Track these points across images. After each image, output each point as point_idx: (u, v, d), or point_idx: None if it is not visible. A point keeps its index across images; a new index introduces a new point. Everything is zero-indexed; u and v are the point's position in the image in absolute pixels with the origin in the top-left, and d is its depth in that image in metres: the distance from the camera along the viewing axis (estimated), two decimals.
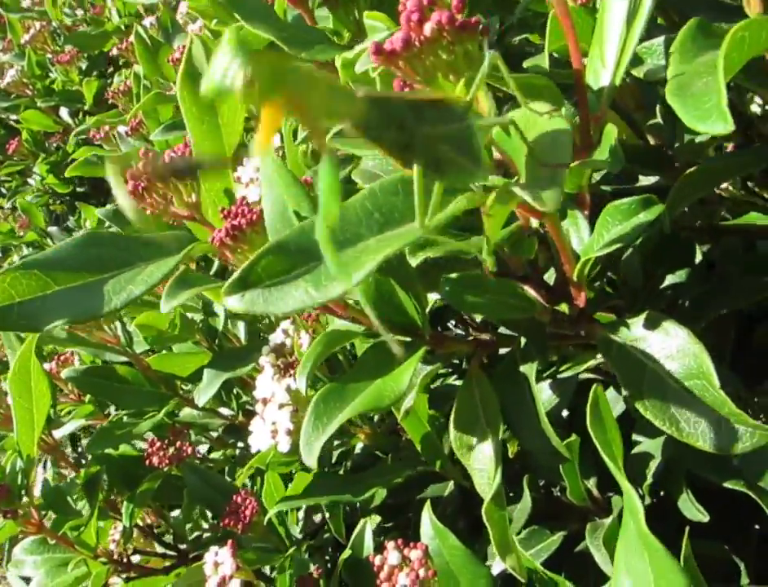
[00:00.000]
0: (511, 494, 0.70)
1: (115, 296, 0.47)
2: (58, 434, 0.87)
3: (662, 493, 0.66)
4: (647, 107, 0.55)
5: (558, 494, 0.76)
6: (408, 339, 0.52)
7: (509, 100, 0.48)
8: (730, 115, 0.29)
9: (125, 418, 0.85)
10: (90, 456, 0.83)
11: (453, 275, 0.46)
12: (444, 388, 0.79)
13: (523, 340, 0.52)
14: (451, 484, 0.80)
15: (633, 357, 0.46)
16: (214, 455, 1.01)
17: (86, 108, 1.73)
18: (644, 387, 0.45)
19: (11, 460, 0.71)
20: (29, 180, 2.02)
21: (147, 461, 0.78)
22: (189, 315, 0.89)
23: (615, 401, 0.67)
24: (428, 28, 0.32)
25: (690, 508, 0.60)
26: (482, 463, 0.52)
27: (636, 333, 0.47)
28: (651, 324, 0.46)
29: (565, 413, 0.70)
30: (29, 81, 1.84)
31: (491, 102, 0.36)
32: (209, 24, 0.65)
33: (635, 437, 0.66)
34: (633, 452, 0.65)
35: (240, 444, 0.97)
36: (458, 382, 0.79)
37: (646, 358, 0.46)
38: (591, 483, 0.71)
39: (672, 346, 0.45)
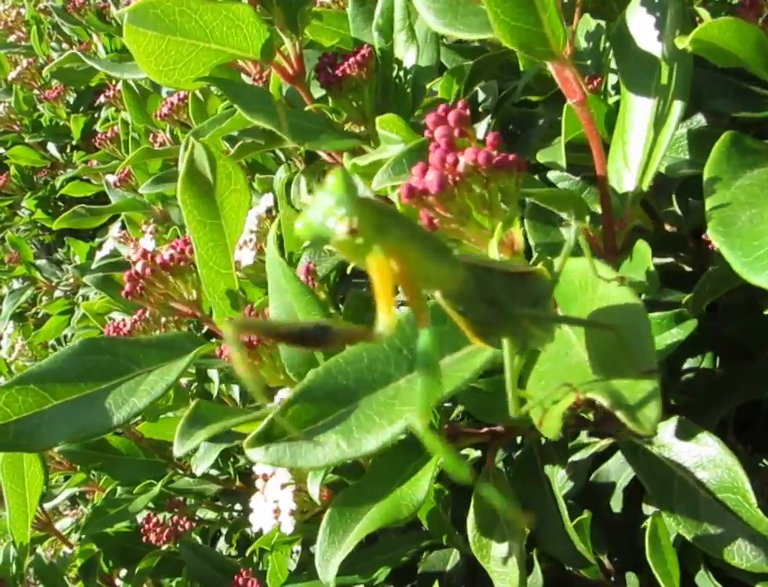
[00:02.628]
0: None
1: (117, 410, 0.45)
2: (48, 506, 0.84)
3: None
4: (662, 190, 0.53)
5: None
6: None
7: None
8: None
9: (119, 489, 0.82)
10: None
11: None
12: None
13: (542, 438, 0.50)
14: (455, 553, 0.78)
15: (662, 465, 0.45)
16: (210, 515, 0.99)
17: (73, 142, 1.71)
18: (674, 498, 0.44)
19: (4, 548, 0.68)
20: (18, 212, 1.99)
21: (144, 538, 0.76)
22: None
23: (621, 470, 0.66)
24: (462, 165, 0.30)
25: (708, 584, 0.58)
26: (503, 567, 0.50)
27: (664, 438, 0.45)
28: (681, 431, 0.44)
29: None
30: (17, 117, 1.82)
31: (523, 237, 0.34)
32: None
33: (646, 508, 0.64)
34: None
35: (238, 507, 0.95)
36: (464, 452, 0.77)
37: (675, 466, 0.44)
38: (603, 557, 0.69)
39: (703, 456, 0.43)
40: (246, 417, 0.40)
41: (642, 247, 0.38)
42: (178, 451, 0.40)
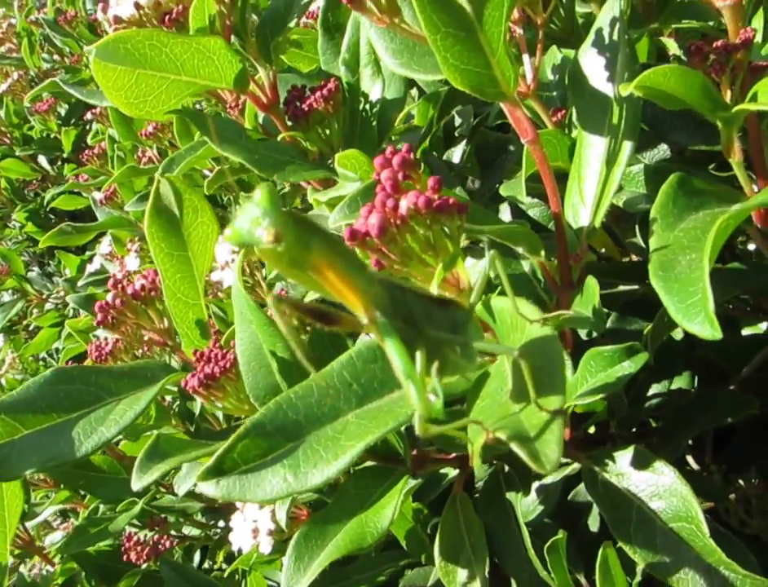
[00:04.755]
0: None
1: (85, 440, 0.46)
2: (32, 523, 0.85)
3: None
4: (626, 219, 0.54)
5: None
6: (388, 466, 0.51)
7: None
8: (716, 321, 0.28)
9: (101, 507, 0.83)
10: None
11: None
12: (428, 477, 0.77)
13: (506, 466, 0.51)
14: (435, 571, 0.78)
15: (620, 494, 0.45)
16: (194, 532, 0.99)
17: (64, 155, 1.71)
18: (632, 528, 0.44)
19: None
20: (9, 225, 2.00)
21: (124, 557, 0.76)
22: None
23: None
24: (404, 208, 0.31)
25: None
26: None
27: (622, 468, 0.46)
28: (638, 461, 0.45)
29: None
30: (7, 130, 1.83)
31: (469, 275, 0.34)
32: None
33: None
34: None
35: (222, 524, 0.95)
36: (443, 471, 0.77)
37: (633, 495, 0.45)
38: (580, 576, 0.69)
39: (659, 485, 0.44)
40: (204, 450, 0.41)
41: (591, 283, 0.38)
42: (135, 485, 0.40)
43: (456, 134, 0.76)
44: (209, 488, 0.33)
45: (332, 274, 0.25)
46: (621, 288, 0.57)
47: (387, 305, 0.27)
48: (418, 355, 0.27)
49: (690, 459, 0.67)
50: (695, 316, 0.29)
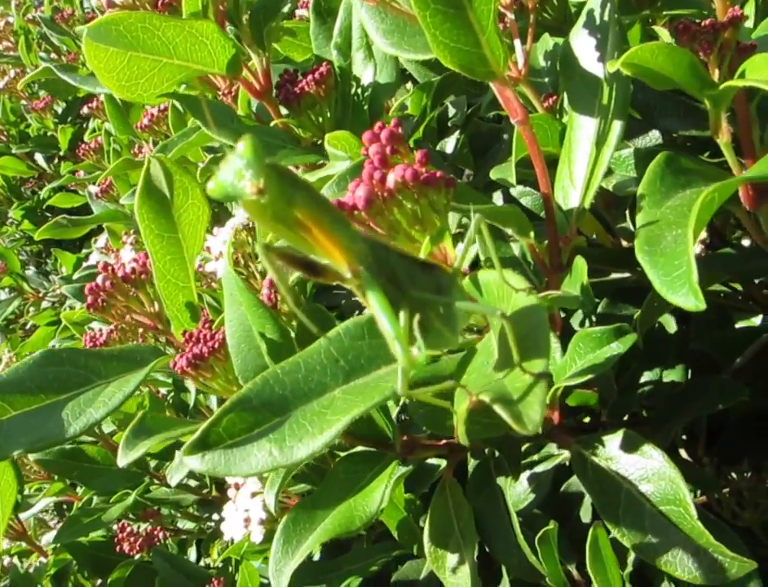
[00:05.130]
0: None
1: (74, 421, 0.46)
2: (26, 515, 0.85)
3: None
4: (617, 205, 0.54)
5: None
6: (377, 451, 0.51)
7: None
8: (701, 293, 0.28)
9: (94, 499, 0.82)
10: None
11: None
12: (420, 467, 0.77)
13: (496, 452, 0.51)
14: (427, 565, 0.78)
15: (609, 477, 0.45)
16: (188, 525, 0.99)
17: (61, 153, 1.71)
18: (620, 511, 0.44)
19: None
20: (5, 223, 2.00)
21: (117, 548, 0.76)
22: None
23: None
24: (391, 181, 0.31)
25: None
26: (457, 578, 0.50)
27: (611, 451, 0.46)
28: (627, 444, 0.45)
29: None
30: (4, 128, 1.83)
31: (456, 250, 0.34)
32: None
33: None
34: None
35: (216, 517, 0.95)
36: (435, 462, 0.77)
37: (622, 479, 0.45)
38: (572, 567, 0.69)
39: (647, 468, 0.44)
40: (190, 427, 0.41)
41: (579, 263, 0.38)
42: (121, 460, 0.40)
43: (450, 125, 0.76)
44: (194, 462, 0.33)
45: (316, 228, 0.24)
46: (613, 275, 0.57)
47: (371, 262, 0.27)
48: (402, 314, 0.27)
49: (682, 452, 0.67)
50: (680, 288, 0.29)
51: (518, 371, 0.27)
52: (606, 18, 0.40)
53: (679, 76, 0.37)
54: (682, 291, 0.29)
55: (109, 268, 0.49)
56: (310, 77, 0.52)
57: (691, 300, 0.29)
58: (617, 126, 0.39)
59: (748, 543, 0.48)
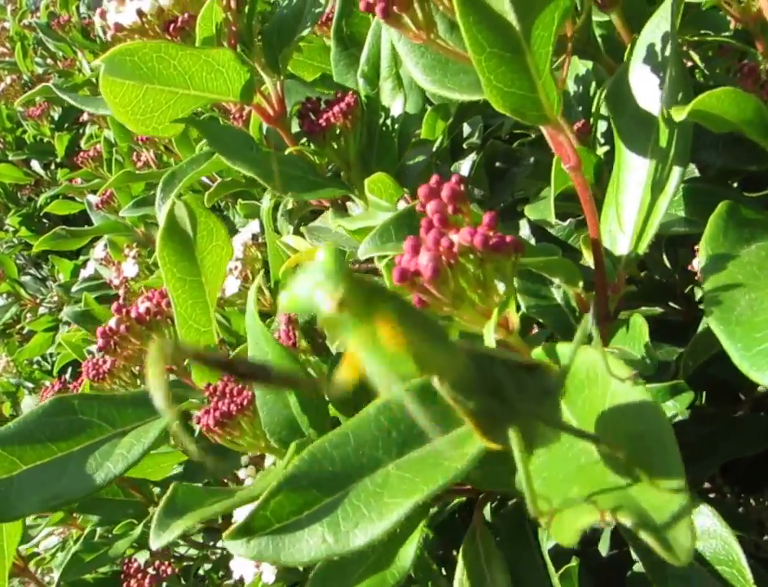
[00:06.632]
0: None
1: (91, 476, 0.43)
2: (26, 546, 0.82)
3: None
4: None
5: None
6: None
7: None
8: None
9: (98, 530, 0.80)
10: None
11: None
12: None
13: None
14: None
15: None
16: (192, 552, 0.97)
17: (57, 160, 1.69)
18: (667, 570, 0.42)
19: None
20: (2, 229, 1.97)
21: (124, 585, 0.73)
22: None
23: None
24: (456, 247, 0.29)
25: None
26: None
27: None
28: None
29: None
30: (0, 135, 1.80)
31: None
32: None
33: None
34: None
35: (220, 544, 0.93)
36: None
37: None
38: None
39: (698, 526, 0.42)
40: (226, 503, 0.38)
41: (637, 321, 0.36)
42: (154, 544, 0.38)
43: (465, 146, 0.73)
44: (238, 548, 0.31)
45: (405, 344, 0.21)
46: (643, 309, 0.55)
47: (472, 378, 0.24)
48: (512, 433, 0.24)
49: None
50: (766, 367, 0.27)
51: (647, 484, 0.24)
52: (666, 53, 0.37)
53: (743, 120, 0.34)
54: None
55: (123, 310, 0.46)
56: (336, 108, 0.49)
57: None
58: (676, 172, 0.37)
59: None
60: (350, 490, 0.31)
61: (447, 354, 0.24)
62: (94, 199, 1.17)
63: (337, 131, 0.50)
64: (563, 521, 0.25)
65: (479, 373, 0.25)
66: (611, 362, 0.27)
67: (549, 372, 0.27)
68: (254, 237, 0.70)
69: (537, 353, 0.32)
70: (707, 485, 0.66)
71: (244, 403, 0.40)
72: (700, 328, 0.47)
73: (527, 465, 0.24)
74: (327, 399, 0.42)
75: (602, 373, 0.27)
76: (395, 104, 0.51)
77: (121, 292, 0.99)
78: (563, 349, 0.31)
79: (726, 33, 0.54)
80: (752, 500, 0.63)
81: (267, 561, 0.30)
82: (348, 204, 0.58)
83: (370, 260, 0.40)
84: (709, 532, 0.42)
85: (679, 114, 0.32)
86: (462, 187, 0.28)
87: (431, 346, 0.23)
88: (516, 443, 0.24)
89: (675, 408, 0.37)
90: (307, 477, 0.31)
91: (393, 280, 0.28)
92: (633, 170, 0.40)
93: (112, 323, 0.46)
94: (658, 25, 0.38)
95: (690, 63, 0.60)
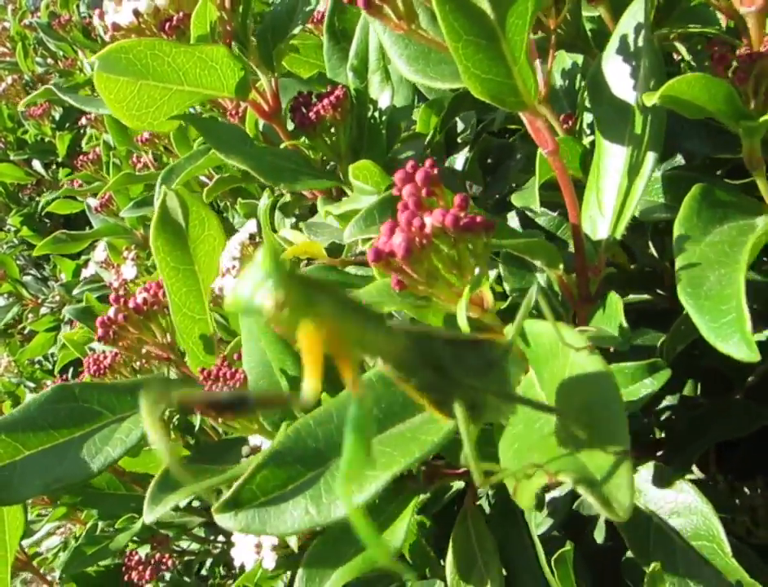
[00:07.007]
0: None
1: (91, 460, 0.44)
2: (29, 541, 0.83)
3: None
4: (636, 227, 0.53)
5: None
6: (399, 483, 0.50)
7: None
8: (754, 342, 0.27)
9: (99, 524, 0.81)
10: None
11: None
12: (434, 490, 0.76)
13: None
14: (439, 585, 0.77)
15: (638, 511, 0.44)
16: (194, 546, 0.98)
17: (59, 159, 1.70)
18: (650, 546, 0.43)
19: None
20: (4, 229, 1.98)
21: (125, 577, 0.75)
22: None
23: None
24: (429, 227, 0.30)
25: None
26: None
27: (639, 484, 0.44)
28: (656, 477, 0.44)
29: None
30: (1, 134, 1.81)
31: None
32: None
33: None
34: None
35: (222, 538, 0.94)
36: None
37: (651, 513, 0.44)
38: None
39: (678, 502, 0.43)
40: (218, 478, 0.40)
41: (613, 299, 0.37)
42: (147, 517, 0.39)
43: (459, 141, 0.75)
44: (226, 521, 0.32)
45: (344, 333, 0.23)
46: (631, 297, 0.56)
47: (412, 357, 0.26)
48: (457, 406, 0.26)
49: (694, 467, 0.66)
50: (730, 337, 0.28)
51: (594, 447, 0.26)
52: (640, 43, 0.39)
53: (715, 106, 0.35)
54: (733, 340, 0.28)
55: (121, 300, 0.47)
56: (326, 100, 0.50)
57: (744, 350, 0.27)
58: (651, 157, 0.38)
59: (764, 561, 0.47)
60: (332, 464, 0.32)
61: (386, 337, 0.25)
62: (93, 202, 1.18)
63: (328, 124, 0.51)
64: (524, 489, 0.26)
65: (419, 352, 0.26)
66: (566, 333, 0.29)
67: (494, 345, 0.29)
68: (252, 237, 0.72)
69: (508, 330, 0.33)
70: (702, 475, 0.67)
71: (237, 385, 0.41)
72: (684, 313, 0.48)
73: (470, 434, 0.26)
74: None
75: (562, 346, 0.29)
76: (383, 97, 0.52)
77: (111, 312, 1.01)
78: (528, 325, 0.33)
79: (716, 27, 0.55)
80: (745, 488, 0.64)
81: (254, 532, 0.32)
82: (344, 198, 0.59)
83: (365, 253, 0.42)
84: (690, 508, 0.43)
85: (650, 99, 0.33)
86: (436, 171, 0.30)
87: (371, 331, 0.24)
88: (460, 414, 0.26)
89: (652, 385, 0.38)
90: (292, 453, 0.32)
91: (369, 261, 0.30)
92: (612, 156, 0.41)
93: (110, 312, 0.48)
94: (634, 16, 0.39)
95: (678, 57, 0.61)
